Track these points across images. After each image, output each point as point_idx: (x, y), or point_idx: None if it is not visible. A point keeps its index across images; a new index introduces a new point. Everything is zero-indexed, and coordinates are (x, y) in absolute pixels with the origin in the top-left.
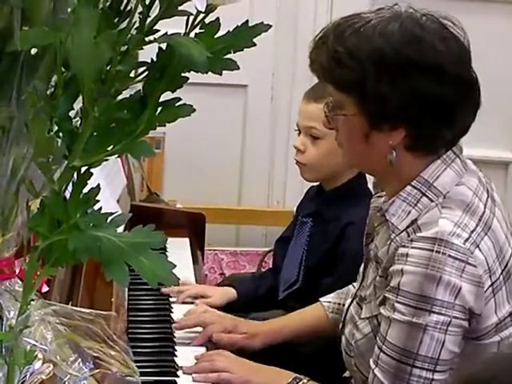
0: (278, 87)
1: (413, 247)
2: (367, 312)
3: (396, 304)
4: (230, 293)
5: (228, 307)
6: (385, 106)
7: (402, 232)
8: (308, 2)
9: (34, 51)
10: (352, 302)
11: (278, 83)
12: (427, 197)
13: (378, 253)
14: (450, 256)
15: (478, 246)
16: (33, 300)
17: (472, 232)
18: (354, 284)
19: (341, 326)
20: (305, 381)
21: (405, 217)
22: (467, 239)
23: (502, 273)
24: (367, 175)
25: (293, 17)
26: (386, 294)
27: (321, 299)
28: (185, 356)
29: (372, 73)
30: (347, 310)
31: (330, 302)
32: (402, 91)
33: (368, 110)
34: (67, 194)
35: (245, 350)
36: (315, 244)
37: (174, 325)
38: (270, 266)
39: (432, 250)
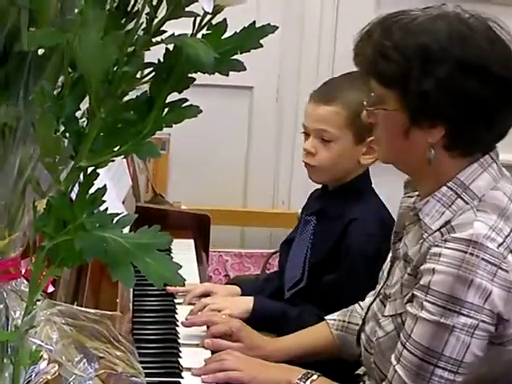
0: (284, 89)
1: (446, 247)
2: (391, 310)
3: (425, 303)
4: (236, 291)
5: None
6: (426, 103)
7: (434, 232)
8: (314, 4)
9: (41, 51)
10: (375, 299)
11: (284, 85)
12: (462, 199)
13: (407, 251)
14: (483, 259)
15: (511, 251)
16: (39, 300)
17: (506, 237)
18: (361, 303)
19: (361, 323)
20: (314, 377)
21: (438, 217)
22: (501, 244)
23: None
24: (370, 174)
25: (299, 18)
26: (415, 292)
27: (326, 317)
28: (189, 357)
29: (416, 68)
30: (369, 307)
31: (334, 319)
32: (445, 89)
33: (409, 106)
34: (73, 195)
35: None
36: (319, 241)
37: (182, 321)
38: (275, 268)
39: (466, 252)
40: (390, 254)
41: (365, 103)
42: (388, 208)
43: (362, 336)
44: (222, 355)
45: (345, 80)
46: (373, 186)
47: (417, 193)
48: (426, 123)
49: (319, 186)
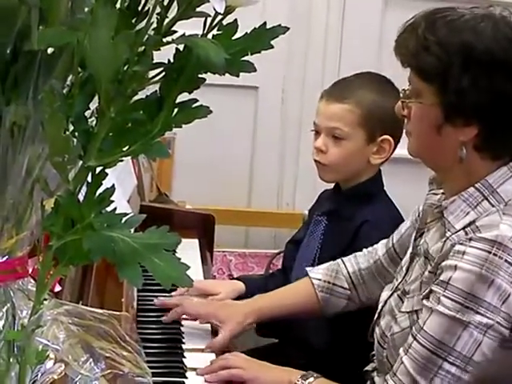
0: (289, 89)
1: (471, 246)
2: (408, 306)
3: (442, 297)
4: (239, 285)
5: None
6: (463, 100)
7: (458, 231)
8: (320, 5)
9: (50, 51)
10: (392, 294)
11: (289, 85)
12: (489, 201)
13: (428, 248)
14: (506, 261)
15: None
16: (45, 299)
17: None
18: (345, 260)
19: (376, 316)
20: (311, 379)
21: (463, 216)
22: None
23: None
24: (383, 177)
25: (305, 19)
26: (433, 288)
27: (310, 275)
28: (194, 357)
29: (457, 65)
30: (385, 301)
31: (320, 279)
32: (483, 89)
33: (445, 102)
34: (80, 196)
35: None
36: (329, 242)
37: (154, 301)
38: (279, 268)
39: (490, 252)
40: (410, 250)
41: (401, 94)
42: (400, 210)
43: (377, 330)
44: (226, 355)
45: (357, 80)
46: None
47: (441, 190)
48: (459, 121)
49: (328, 186)
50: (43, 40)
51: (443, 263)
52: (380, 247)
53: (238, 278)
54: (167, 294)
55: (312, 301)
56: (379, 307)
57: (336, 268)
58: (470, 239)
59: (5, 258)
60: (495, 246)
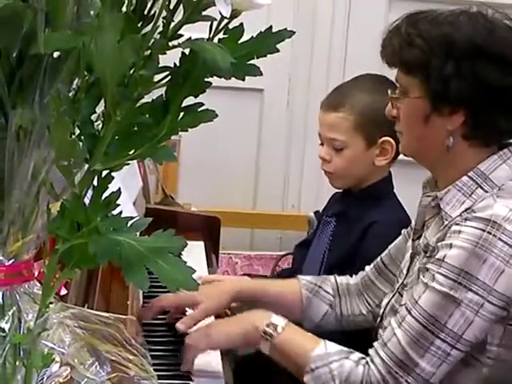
0: (295, 92)
1: (466, 225)
2: (407, 298)
3: (437, 275)
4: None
5: None
6: (447, 87)
7: (455, 218)
8: (325, 7)
9: (56, 54)
10: (393, 296)
11: (295, 88)
12: (482, 188)
13: (428, 242)
14: (500, 239)
15: None
16: (51, 303)
17: None
18: (337, 277)
19: (379, 320)
20: (282, 325)
21: (458, 206)
22: None
23: None
24: (393, 180)
25: (310, 21)
26: (429, 266)
27: (299, 276)
28: (199, 359)
29: (440, 54)
30: (387, 304)
31: (308, 280)
32: (466, 75)
33: (431, 91)
34: (86, 198)
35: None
36: (338, 243)
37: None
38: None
39: (484, 230)
40: (410, 251)
41: (389, 95)
42: (408, 212)
43: (380, 331)
44: (185, 343)
45: (352, 84)
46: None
47: (435, 192)
48: (446, 109)
49: (335, 189)
50: (49, 44)
51: (440, 243)
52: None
53: (244, 274)
54: None
55: (295, 296)
56: (381, 312)
57: (326, 276)
58: (466, 219)
59: (11, 262)
60: (490, 225)
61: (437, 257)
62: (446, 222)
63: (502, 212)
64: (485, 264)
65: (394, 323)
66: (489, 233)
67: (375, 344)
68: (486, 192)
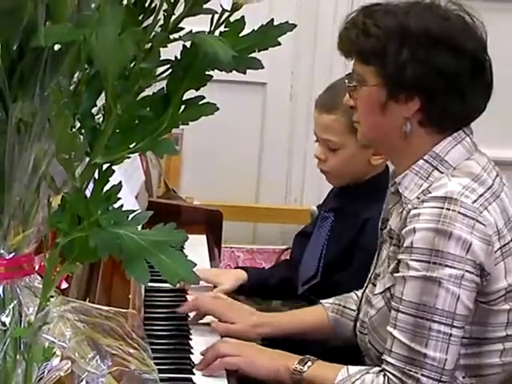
0: (298, 85)
1: (424, 207)
2: (380, 287)
3: (410, 262)
4: (241, 275)
5: (239, 289)
6: (403, 74)
7: (412, 201)
8: (328, 0)
9: (57, 47)
10: (366, 287)
11: (298, 81)
12: (438, 170)
13: (391, 228)
14: (459, 213)
15: (486, 208)
16: (52, 296)
17: (480, 196)
18: (357, 292)
19: (356, 313)
20: (309, 363)
21: (416, 190)
22: (475, 200)
23: (511, 240)
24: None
25: (313, 15)
26: (400, 256)
27: (322, 301)
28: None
29: (395, 41)
30: (362, 296)
31: (331, 303)
32: (421, 62)
33: (387, 78)
34: (87, 192)
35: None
36: (335, 238)
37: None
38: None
39: (442, 208)
40: (379, 241)
41: (347, 84)
42: None
43: (358, 323)
44: (216, 343)
45: (343, 83)
46: None
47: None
48: (402, 96)
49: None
50: (50, 37)
51: (403, 230)
52: None
53: (241, 267)
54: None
55: (322, 321)
56: (358, 304)
57: (347, 295)
58: (423, 201)
59: (11, 255)
60: (446, 202)
61: (405, 245)
62: (404, 206)
63: (457, 188)
64: (451, 238)
65: (390, 328)
66: (447, 209)
67: (383, 356)
68: (442, 173)
